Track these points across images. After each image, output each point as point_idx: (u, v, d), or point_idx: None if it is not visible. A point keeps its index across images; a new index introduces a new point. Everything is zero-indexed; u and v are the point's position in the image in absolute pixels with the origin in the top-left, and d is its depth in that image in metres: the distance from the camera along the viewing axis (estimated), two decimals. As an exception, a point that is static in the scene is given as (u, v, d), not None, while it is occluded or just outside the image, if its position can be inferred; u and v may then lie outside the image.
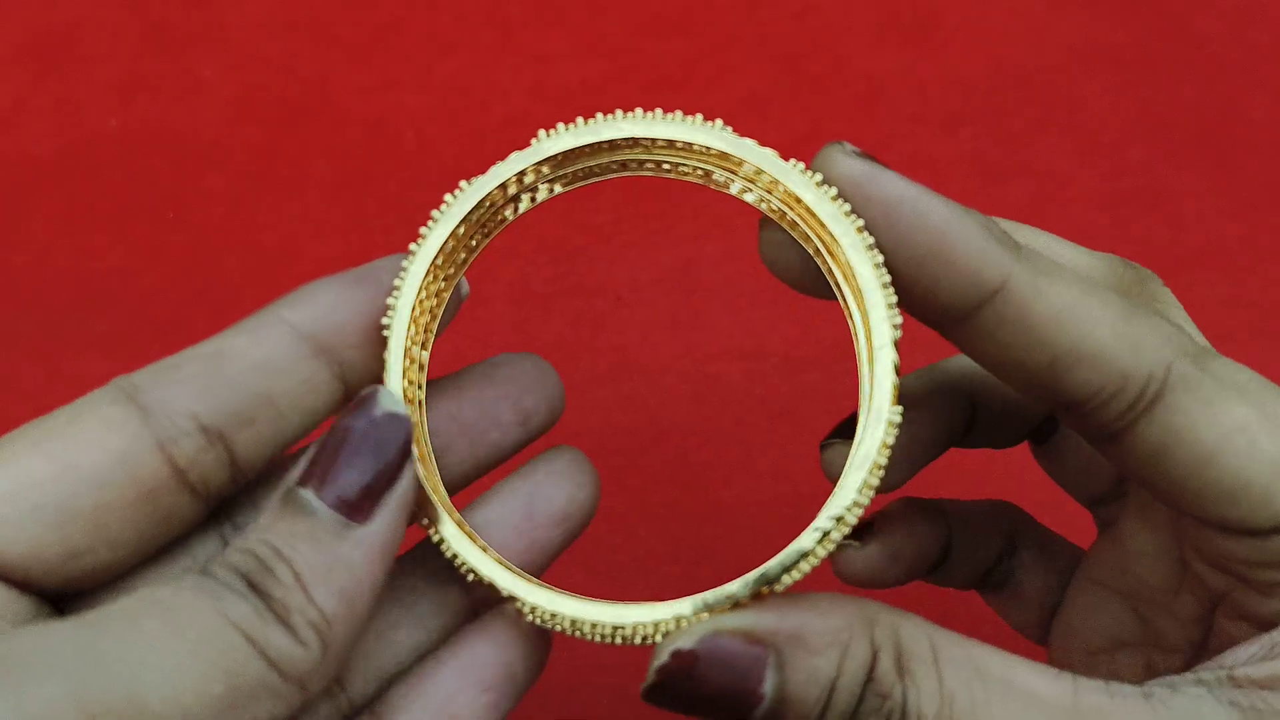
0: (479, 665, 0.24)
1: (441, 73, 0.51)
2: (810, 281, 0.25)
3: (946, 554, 0.29)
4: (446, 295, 0.25)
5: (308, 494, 0.22)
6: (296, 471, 0.22)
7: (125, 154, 0.49)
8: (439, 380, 0.26)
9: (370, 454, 0.22)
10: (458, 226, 0.25)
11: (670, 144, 0.24)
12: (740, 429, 0.42)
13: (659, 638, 0.22)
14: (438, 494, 0.24)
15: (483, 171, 0.25)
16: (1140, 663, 0.27)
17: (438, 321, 0.25)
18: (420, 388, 0.25)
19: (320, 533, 0.21)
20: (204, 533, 0.24)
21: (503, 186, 0.25)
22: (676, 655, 0.22)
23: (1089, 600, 0.28)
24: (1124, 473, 0.25)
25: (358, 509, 0.22)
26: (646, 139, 0.24)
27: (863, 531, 0.28)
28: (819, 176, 0.23)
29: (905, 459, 0.27)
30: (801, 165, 0.23)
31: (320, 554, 0.21)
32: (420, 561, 0.25)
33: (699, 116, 0.24)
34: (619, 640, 0.23)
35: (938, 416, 0.28)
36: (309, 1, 0.52)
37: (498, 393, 0.26)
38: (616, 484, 0.41)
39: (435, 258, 0.24)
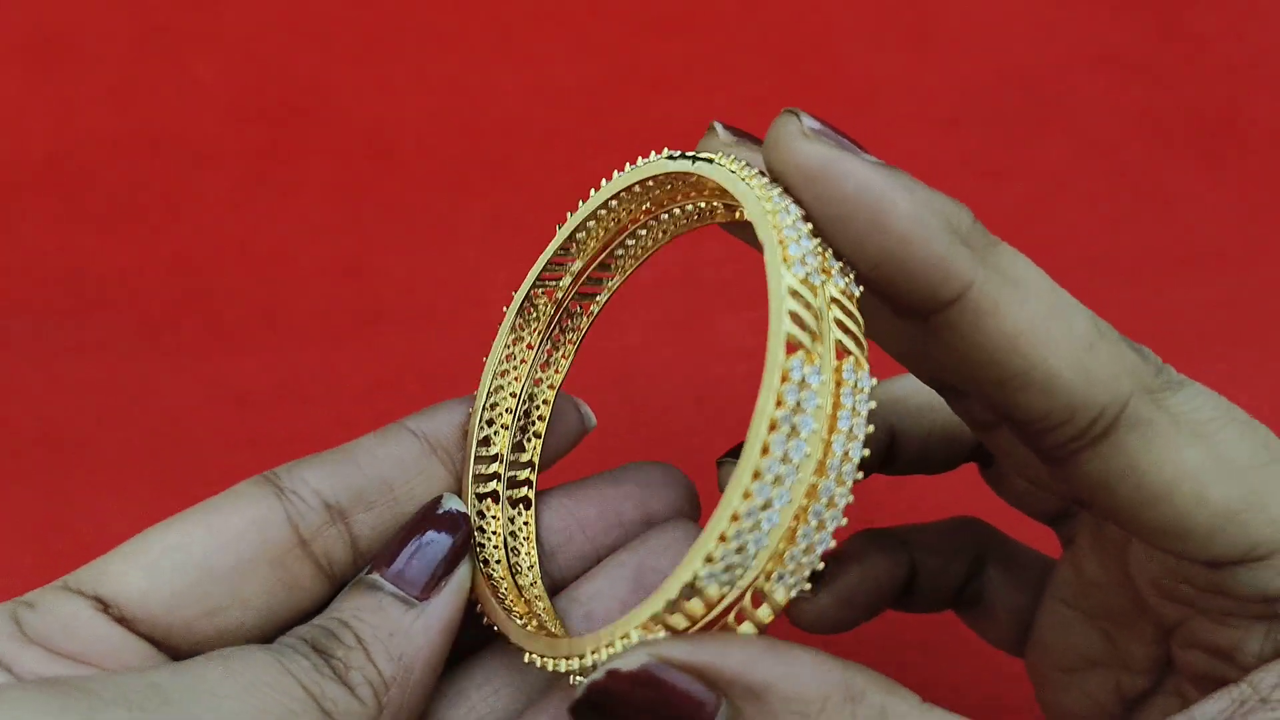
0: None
1: (440, 73, 0.51)
2: None
3: (911, 583, 0.29)
4: (547, 401, 0.28)
5: (375, 577, 0.24)
6: (371, 561, 0.25)
7: (121, 155, 0.48)
8: (566, 484, 0.28)
9: (433, 544, 0.25)
10: (509, 337, 0.27)
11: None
12: (743, 429, 0.42)
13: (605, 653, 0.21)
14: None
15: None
16: (1110, 683, 0.27)
17: (543, 430, 0.28)
18: (527, 485, 0.27)
19: (384, 606, 0.24)
20: None
21: (550, 285, 0.27)
22: (613, 676, 0.19)
23: (1057, 620, 0.28)
24: (1063, 487, 0.24)
25: (420, 590, 0.24)
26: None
27: (813, 578, 0.22)
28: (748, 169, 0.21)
29: None
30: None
31: (383, 623, 0.24)
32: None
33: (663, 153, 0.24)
34: (581, 672, 0.21)
35: None
36: (306, 3, 0.52)
37: (621, 493, 0.27)
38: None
39: (497, 369, 0.27)
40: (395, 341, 0.44)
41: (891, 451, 0.28)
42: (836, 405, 0.20)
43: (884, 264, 0.20)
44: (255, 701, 0.21)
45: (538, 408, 0.28)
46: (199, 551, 0.24)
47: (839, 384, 0.20)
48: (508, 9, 0.52)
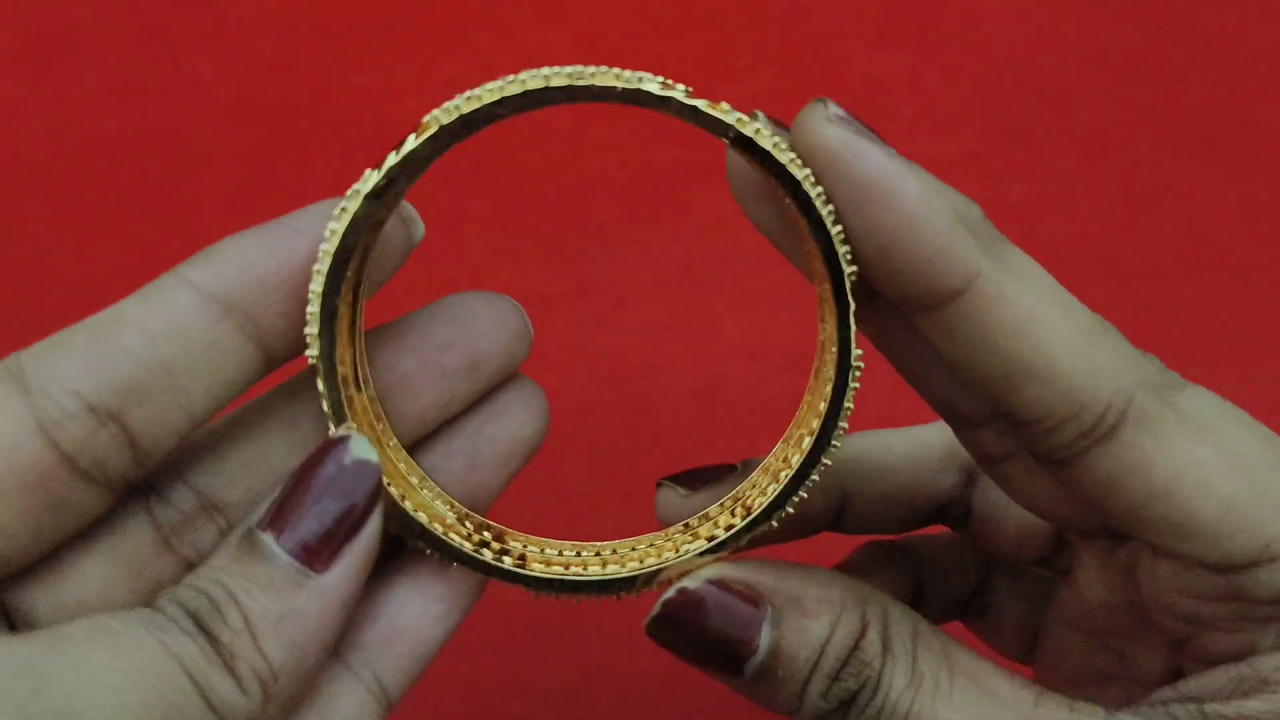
0: (425, 578, 0.24)
1: (441, 73, 0.51)
2: (770, 217, 0.24)
3: (918, 594, 0.29)
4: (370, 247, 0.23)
5: (267, 539, 0.21)
6: (258, 513, 0.21)
7: (123, 154, 0.48)
8: (378, 328, 0.24)
9: (334, 502, 0.21)
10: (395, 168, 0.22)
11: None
12: (743, 429, 0.42)
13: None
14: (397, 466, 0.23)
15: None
16: (1123, 696, 0.27)
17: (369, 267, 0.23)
18: (355, 344, 0.23)
19: (277, 581, 0.21)
20: (132, 510, 0.23)
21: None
22: (683, 593, 0.23)
23: (1063, 641, 0.28)
24: (1070, 492, 0.24)
25: (317, 558, 0.21)
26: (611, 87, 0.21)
27: None
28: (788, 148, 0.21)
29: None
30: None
31: (274, 603, 0.21)
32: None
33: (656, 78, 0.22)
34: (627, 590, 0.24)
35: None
36: (308, 2, 0.52)
37: (442, 337, 0.24)
38: (619, 485, 0.41)
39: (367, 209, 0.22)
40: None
41: (842, 512, 0.28)
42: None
43: (892, 245, 0.21)
44: (141, 694, 0.19)
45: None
46: None
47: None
48: (508, 9, 0.52)
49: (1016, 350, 0.21)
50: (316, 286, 0.22)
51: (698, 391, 0.43)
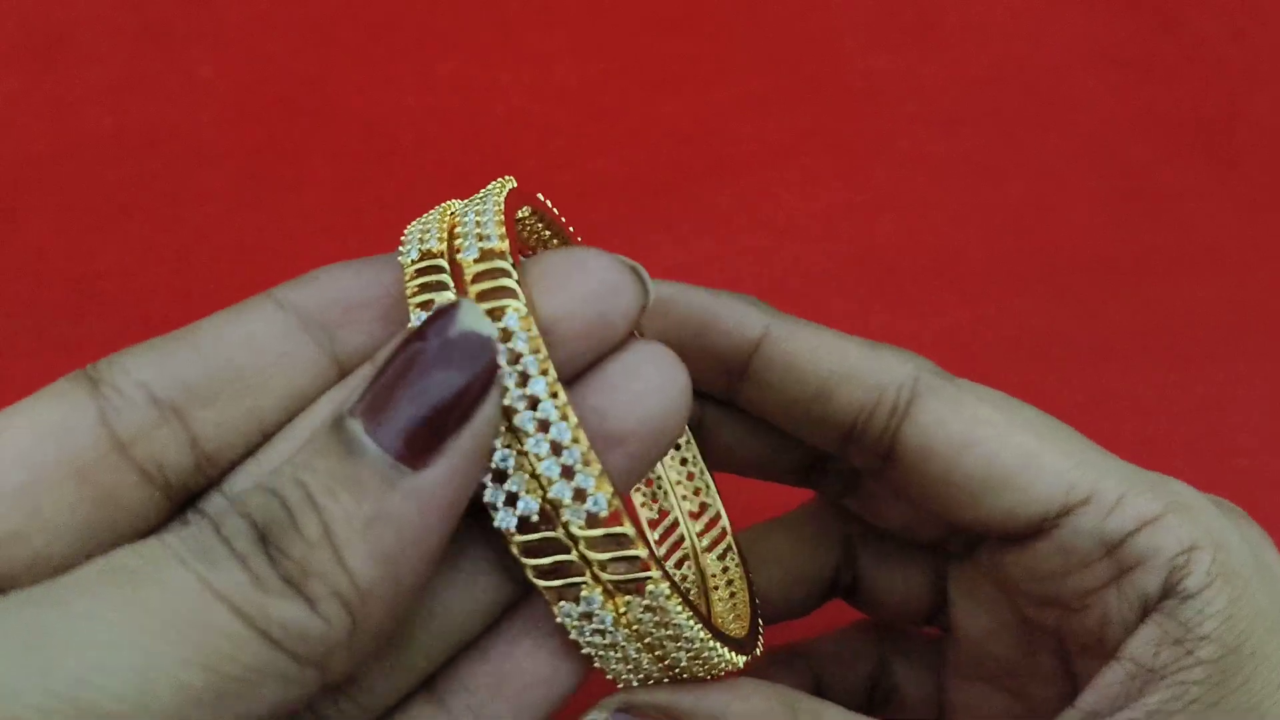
0: (545, 627, 0.21)
1: (441, 72, 0.51)
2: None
3: (818, 693, 0.29)
4: None
5: (357, 429, 0.17)
6: (351, 395, 0.18)
7: (121, 153, 0.48)
8: None
9: (439, 383, 0.17)
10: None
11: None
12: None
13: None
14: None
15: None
16: None
17: None
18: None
19: (366, 478, 0.17)
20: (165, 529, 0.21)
21: None
22: None
23: (964, 697, 0.29)
24: (906, 495, 0.26)
25: (415, 452, 0.17)
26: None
27: None
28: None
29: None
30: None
31: (360, 505, 0.17)
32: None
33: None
34: None
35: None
36: (307, 2, 0.52)
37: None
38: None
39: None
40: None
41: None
42: None
43: (702, 328, 0.26)
44: (171, 647, 0.16)
45: None
46: None
47: None
48: (508, 8, 0.52)
49: (818, 366, 0.25)
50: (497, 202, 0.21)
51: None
